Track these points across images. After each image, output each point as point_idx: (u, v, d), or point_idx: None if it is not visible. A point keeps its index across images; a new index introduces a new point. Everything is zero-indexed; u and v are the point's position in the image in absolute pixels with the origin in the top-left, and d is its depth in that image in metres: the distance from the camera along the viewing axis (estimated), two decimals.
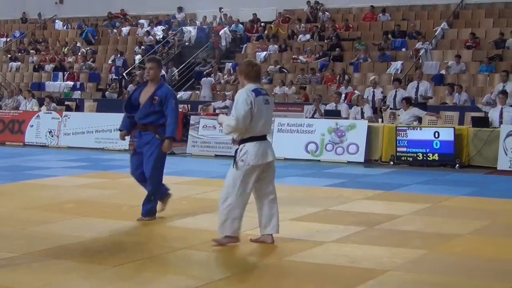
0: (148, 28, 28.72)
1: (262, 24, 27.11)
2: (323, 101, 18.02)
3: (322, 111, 17.04)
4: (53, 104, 20.60)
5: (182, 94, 23.97)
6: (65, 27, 31.39)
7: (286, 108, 20.33)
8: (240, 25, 27.39)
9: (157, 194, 8.27)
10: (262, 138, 6.86)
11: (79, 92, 25.26)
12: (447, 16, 24.33)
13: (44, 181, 11.59)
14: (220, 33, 26.77)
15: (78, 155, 15.83)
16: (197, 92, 23.90)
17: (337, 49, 23.56)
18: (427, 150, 13.97)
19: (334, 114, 16.31)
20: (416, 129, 14.34)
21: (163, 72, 25.28)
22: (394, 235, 7.59)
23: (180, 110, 20.24)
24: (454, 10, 24.73)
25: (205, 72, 24.12)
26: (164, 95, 8.15)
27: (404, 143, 14.17)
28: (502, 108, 14.78)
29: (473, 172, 13.27)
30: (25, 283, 5.71)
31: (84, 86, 25.84)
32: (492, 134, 13.75)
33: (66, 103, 22.80)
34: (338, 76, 21.98)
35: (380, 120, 16.22)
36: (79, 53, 28.12)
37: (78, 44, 29.04)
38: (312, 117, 17.00)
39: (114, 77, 25.30)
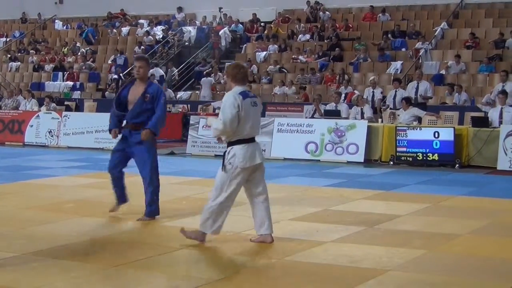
0: (148, 28, 28.73)
1: (262, 24, 27.12)
2: (323, 101, 18.02)
3: (322, 111, 17.04)
4: (53, 104, 20.61)
5: (182, 94, 24.00)
6: (65, 27, 31.39)
7: (286, 108, 20.34)
8: (240, 25, 27.40)
9: (158, 193, 8.27)
10: (250, 140, 6.91)
11: (79, 92, 25.26)
12: (447, 16, 24.33)
13: (44, 181, 11.60)
14: (220, 33, 26.78)
15: (78, 155, 15.83)
16: (197, 92, 23.90)
17: (337, 49, 23.57)
18: (427, 150, 13.97)
19: (334, 114, 16.30)
20: (416, 129, 14.33)
21: (162, 72, 25.37)
22: (394, 235, 7.59)
23: (180, 110, 20.38)
24: (454, 10, 24.73)
25: (205, 72, 24.12)
26: (155, 92, 8.24)
27: (404, 143, 14.17)
28: (502, 108, 14.78)
29: (473, 172, 13.27)
30: (25, 283, 5.71)
31: (84, 86, 25.84)
32: (492, 134, 13.75)
33: (66, 103, 22.81)
34: (338, 76, 21.98)
35: (380, 120, 16.22)
36: (79, 53, 28.12)
37: (78, 44, 29.04)
38: (312, 117, 17.00)
39: (114, 77, 25.31)
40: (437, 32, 23.29)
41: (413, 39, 23.39)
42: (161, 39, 27.52)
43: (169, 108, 20.75)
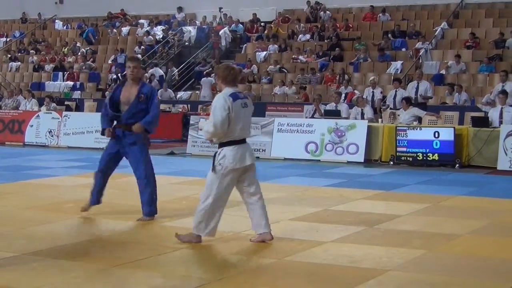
0: (148, 28, 28.74)
1: (262, 24, 27.12)
2: (323, 101, 18.02)
3: (322, 111, 17.04)
4: (53, 104, 20.61)
5: (182, 94, 24.00)
6: (65, 27, 31.40)
7: (286, 108, 20.36)
8: (240, 25, 27.41)
9: (157, 192, 8.27)
10: (241, 141, 6.92)
11: (79, 92, 25.27)
12: (447, 16, 24.34)
13: (44, 181, 11.60)
14: (220, 33, 26.79)
15: (78, 155, 15.83)
16: (197, 92, 23.91)
17: (337, 49, 23.57)
18: (427, 150, 13.96)
19: (334, 114, 16.30)
20: (416, 129, 14.33)
21: (162, 72, 25.39)
22: (394, 235, 7.59)
23: (180, 110, 20.38)
24: (454, 10, 24.73)
25: (205, 72, 24.13)
26: (149, 92, 8.28)
27: (404, 143, 14.16)
28: (502, 108, 14.78)
29: (473, 172, 13.26)
30: (25, 283, 5.71)
31: (84, 86, 25.85)
32: (492, 134, 13.75)
33: (66, 103, 22.82)
34: (338, 76, 21.99)
35: (380, 120, 16.22)
36: (79, 53, 28.13)
37: (78, 44, 29.05)
38: (312, 117, 17.00)
39: (113, 77, 25.32)
40: (437, 32, 23.30)
41: (413, 39, 23.39)
42: (161, 39, 27.52)
43: (169, 108, 20.79)
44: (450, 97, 19.17)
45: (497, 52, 21.62)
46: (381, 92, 18.59)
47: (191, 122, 16.75)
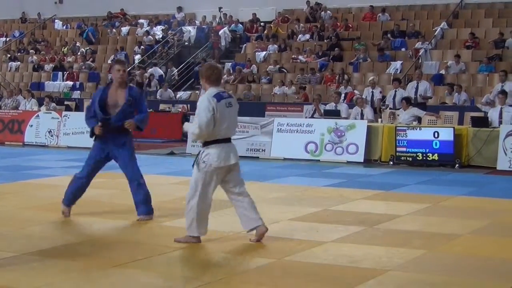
0: (148, 28, 28.73)
1: (262, 24, 27.11)
2: (322, 101, 18.02)
3: (322, 111, 17.04)
4: (53, 104, 20.61)
5: (181, 94, 23.99)
6: (64, 27, 31.39)
7: (286, 108, 20.35)
8: (240, 25, 27.40)
9: (149, 191, 8.31)
10: (226, 141, 6.95)
11: (78, 92, 25.26)
12: (446, 16, 24.33)
13: (44, 181, 11.60)
14: (220, 33, 26.78)
15: (78, 155, 15.77)
16: (196, 92, 23.86)
17: (336, 49, 23.57)
18: (427, 150, 13.96)
19: (334, 114, 16.30)
20: (416, 129, 14.33)
21: (161, 71, 25.38)
22: (394, 235, 7.59)
23: (180, 110, 20.38)
24: (453, 10, 24.73)
25: None
26: (138, 96, 8.36)
27: (403, 143, 14.16)
28: (501, 108, 14.78)
29: (473, 172, 13.27)
30: (25, 283, 5.71)
31: (84, 86, 25.84)
32: (492, 134, 13.75)
33: (65, 103, 22.82)
34: (338, 76, 21.98)
35: (379, 120, 16.22)
36: (79, 53, 28.12)
37: (78, 44, 29.04)
38: (312, 117, 17.00)
39: None
40: (437, 32, 23.29)
41: (413, 39, 23.38)
42: (161, 39, 27.52)
43: (169, 108, 20.80)
44: (449, 97, 19.17)
45: (497, 52, 21.61)
46: (381, 92, 18.58)
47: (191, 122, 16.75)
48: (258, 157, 15.24)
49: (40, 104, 20.58)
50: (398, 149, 14.19)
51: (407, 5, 26.01)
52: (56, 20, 31.87)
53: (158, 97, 23.02)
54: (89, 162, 8.41)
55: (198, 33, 27.54)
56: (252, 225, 7.08)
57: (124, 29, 29.36)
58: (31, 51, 29.54)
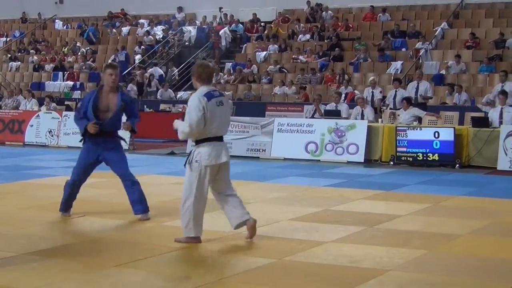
0: (148, 28, 28.73)
1: (262, 24, 27.12)
2: (323, 101, 18.01)
3: (322, 111, 17.03)
4: (53, 104, 20.61)
5: (182, 94, 23.98)
6: (65, 27, 31.40)
7: (286, 108, 20.35)
8: (240, 25, 27.41)
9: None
10: (217, 139, 6.97)
11: (79, 92, 25.25)
12: (447, 16, 24.34)
13: (44, 180, 11.60)
14: (220, 33, 26.78)
15: (78, 155, 15.79)
16: None
17: (337, 49, 23.57)
18: (427, 150, 13.96)
19: (334, 114, 16.30)
20: (416, 129, 14.33)
21: (161, 71, 25.37)
22: (394, 235, 7.59)
23: (180, 110, 20.36)
24: (454, 10, 24.73)
25: None
26: (129, 100, 8.46)
27: (404, 143, 14.16)
28: (502, 108, 14.78)
29: (473, 172, 13.27)
30: (25, 283, 5.71)
31: (84, 86, 25.84)
32: (492, 134, 13.75)
33: (66, 103, 22.81)
34: (338, 76, 21.98)
35: (380, 120, 16.21)
36: (79, 53, 28.13)
37: (78, 44, 29.05)
38: (312, 117, 16.99)
39: None
40: (437, 32, 23.30)
41: (413, 39, 23.38)
42: (161, 39, 27.52)
43: (169, 108, 20.80)
44: (450, 97, 19.17)
45: (497, 52, 21.62)
46: (381, 92, 18.58)
47: None
48: (258, 157, 15.24)
49: (41, 104, 20.59)
50: (398, 149, 14.19)
51: (408, 5, 26.02)
52: (56, 20, 31.88)
53: (158, 97, 23.03)
54: (78, 166, 8.40)
55: (199, 33, 27.55)
56: (241, 219, 7.09)
57: (125, 29, 29.37)
58: (31, 51, 29.55)
